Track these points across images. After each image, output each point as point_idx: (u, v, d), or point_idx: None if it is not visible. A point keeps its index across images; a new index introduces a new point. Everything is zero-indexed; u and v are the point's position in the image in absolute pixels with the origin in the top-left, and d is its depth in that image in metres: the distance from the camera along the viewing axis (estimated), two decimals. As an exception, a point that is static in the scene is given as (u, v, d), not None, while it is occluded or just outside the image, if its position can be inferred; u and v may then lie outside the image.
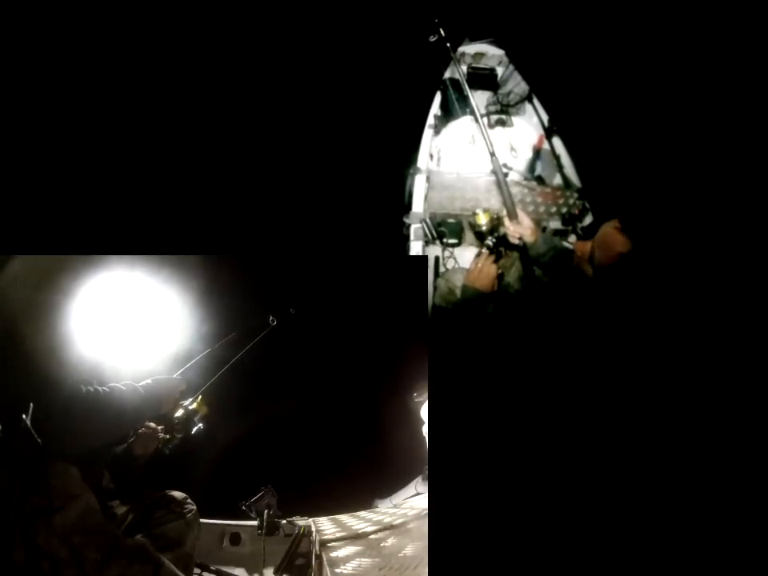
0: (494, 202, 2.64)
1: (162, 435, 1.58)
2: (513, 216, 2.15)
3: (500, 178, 2.23)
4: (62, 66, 3.71)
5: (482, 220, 2.25)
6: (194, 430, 1.61)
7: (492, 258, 2.10)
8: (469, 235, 2.85)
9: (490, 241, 2.16)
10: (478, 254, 2.16)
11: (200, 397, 1.66)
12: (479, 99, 3.34)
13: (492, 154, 2.23)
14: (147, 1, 4.11)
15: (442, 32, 2.33)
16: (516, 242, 2.16)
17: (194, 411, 1.62)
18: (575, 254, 2.01)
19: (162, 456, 1.59)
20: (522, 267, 2.33)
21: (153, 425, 1.57)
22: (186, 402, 1.61)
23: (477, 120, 2.31)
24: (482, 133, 2.25)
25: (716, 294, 2.34)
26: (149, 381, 1.36)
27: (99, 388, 1.19)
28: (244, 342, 1.94)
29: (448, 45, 2.37)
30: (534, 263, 2.21)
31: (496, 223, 2.25)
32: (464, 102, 2.76)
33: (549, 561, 1.77)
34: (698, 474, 1.90)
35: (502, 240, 2.19)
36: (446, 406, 2.00)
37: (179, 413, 1.59)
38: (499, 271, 2.13)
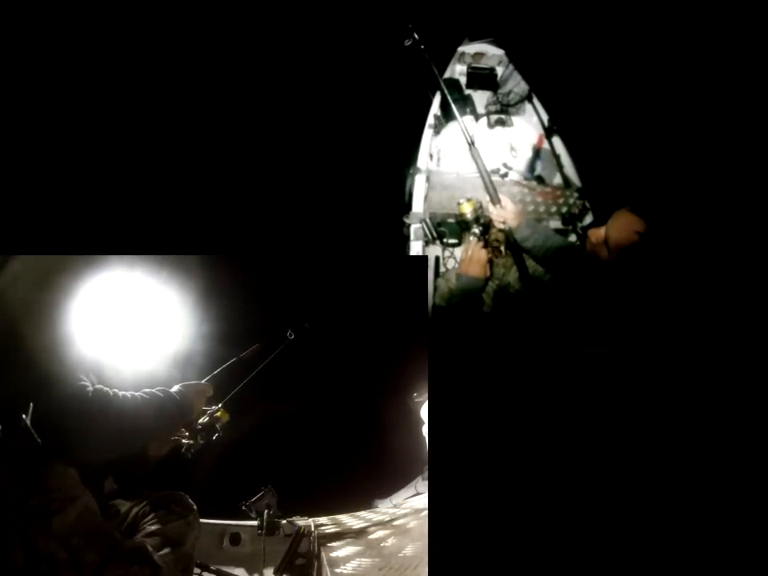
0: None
1: (185, 441, 1.56)
2: (495, 201, 2.21)
3: (479, 165, 2.30)
4: (61, 66, 3.71)
5: (466, 209, 2.30)
6: (215, 436, 1.61)
7: (481, 243, 2.17)
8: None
9: (476, 229, 2.21)
10: (468, 242, 2.21)
11: (221, 405, 1.67)
12: (479, 99, 3.34)
13: (471, 144, 2.32)
14: (145, 1, 4.10)
15: (416, 35, 2.36)
16: (501, 227, 2.25)
17: (218, 418, 1.63)
18: (588, 240, 2.01)
19: (183, 459, 1.58)
20: (518, 265, 2.35)
21: None
22: (210, 410, 1.62)
23: (457, 118, 2.44)
24: (461, 126, 2.35)
25: (721, 292, 2.33)
26: (179, 387, 1.37)
27: (137, 394, 1.20)
28: (261, 355, 1.95)
29: (422, 47, 2.39)
30: (532, 258, 2.25)
31: (480, 211, 2.30)
32: (453, 104, 2.76)
33: (549, 561, 1.77)
34: (712, 483, 1.86)
35: (488, 227, 2.27)
36: (446, 406, 2.00)
37: (204, 419, 1.60)
38: (490, 256, 2.19)
